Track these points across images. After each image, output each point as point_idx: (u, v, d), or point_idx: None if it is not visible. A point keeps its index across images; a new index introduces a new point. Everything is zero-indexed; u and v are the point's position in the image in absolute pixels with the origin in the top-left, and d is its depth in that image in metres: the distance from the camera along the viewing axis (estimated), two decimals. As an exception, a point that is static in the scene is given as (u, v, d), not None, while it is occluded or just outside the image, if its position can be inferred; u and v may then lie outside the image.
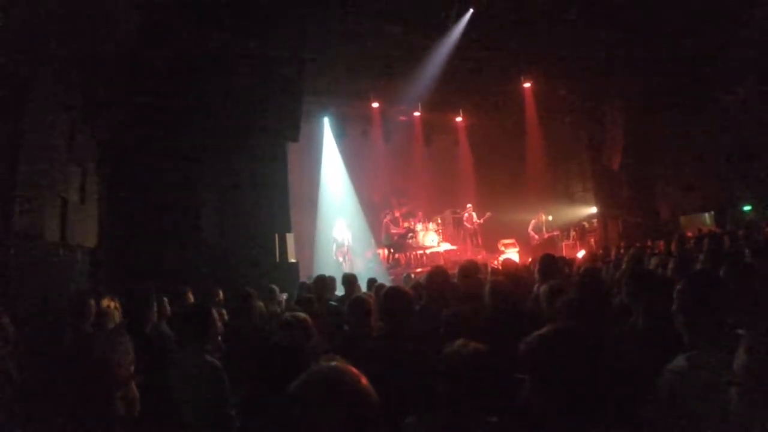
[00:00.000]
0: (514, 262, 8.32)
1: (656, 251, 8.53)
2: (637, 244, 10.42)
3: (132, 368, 1.73)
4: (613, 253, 10.08)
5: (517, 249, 16.12)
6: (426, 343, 3.10)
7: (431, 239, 16.68)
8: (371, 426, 1.40)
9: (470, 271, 4.89)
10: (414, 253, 16.35)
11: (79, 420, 1.57)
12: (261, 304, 5.57)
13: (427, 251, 16.38)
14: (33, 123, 6.94)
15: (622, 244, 11.92)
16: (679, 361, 2.18)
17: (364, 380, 1.45)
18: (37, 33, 6.89)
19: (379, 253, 17.03)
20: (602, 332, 3.12)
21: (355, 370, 1.48)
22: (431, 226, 17.27)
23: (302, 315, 3.55)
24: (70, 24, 7.55)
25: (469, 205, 17.34)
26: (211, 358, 3.17)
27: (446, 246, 16.78)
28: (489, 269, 7.62)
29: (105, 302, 5.82)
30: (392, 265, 16.03)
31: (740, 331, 1.92)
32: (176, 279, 7.70)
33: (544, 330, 2.13)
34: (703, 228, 12.86)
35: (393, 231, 16.31)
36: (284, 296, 7.46)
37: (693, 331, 2.31)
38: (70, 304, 4.23)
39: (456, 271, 5.12)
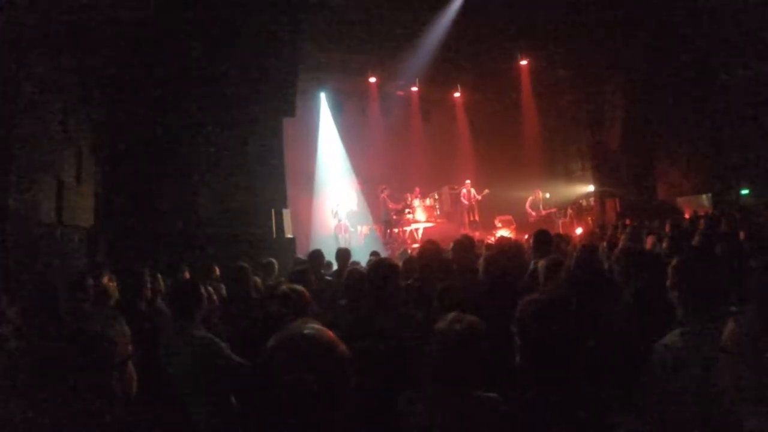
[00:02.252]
0: (509, 238, 8.34)
1: (653, 230, 8.55)
2: (628, 222, 10.45)
3: (129, 347, 1.73)
4: (609, 231, 10.11)
5: (513, 226, 16.14)
6: (419, 316, 3.11)
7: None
8: (344, 390, 1.40)
9: (465, 245, 4.90)
10: (411, 228, 16.36)
11: (76, 398, 1.57)
12: (257, 278, 5.58)
13: (421, 226, 16.36)
14: (27, 104, 6.87)
15: (618, 222, 11.94)
16: (673, 336, 2.20)
17: (340, 346, 1.45)
18: (30, 12, 6.79)
19: (375, 229, 17.03)
20: (597, 306, 3.14)
21: (331, 333, 1.47)
22: (428, 201, 17.25)
23: (300, 287, 3.56)
24: (63, 3, 7.45)
25: (467, 181, 17.28)
26: (204, 333, 3.16)
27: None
28: (484, 244, 7.66)
29: (104, 280, 5.85)
30: (389, 240, 16.04)
31: (733, 308, 1.94)
32: (173, 256, 7.72)
33: (537, 296, 2.15)
34: (700, 210, 12.89)
35: (391, 206, 16.29)
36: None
37: (686, 307, 2.33)
38: (70, 283, 4.24)
39: (450, 246, 5.13)
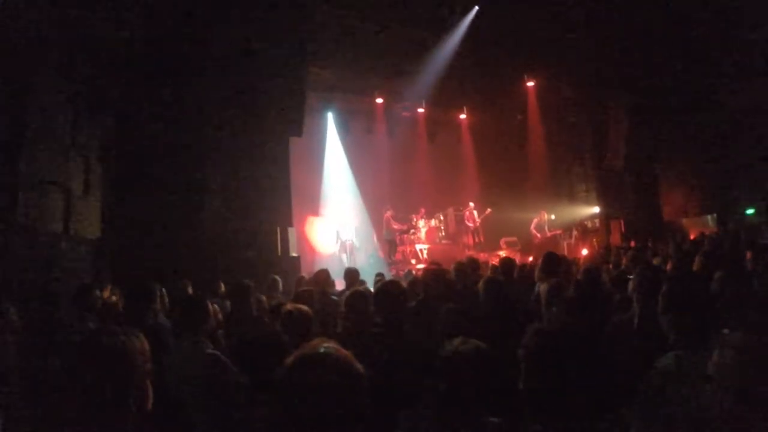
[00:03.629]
0: (513, 260, 8.31)
1: (658, 252, 8.54)
2: (632, 244, 10.42)
3: (148, 365, 1.75)
4: (613, 254, 10.09)
5: (518, 247, 16.12)
6: (424, 338, 3.11)
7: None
8: (361, 409, 1.42)
9: (468, 267, 4.90)
10: (414, 248, 16.35)
11: (94, 414, 1.58)
12: (263, 297, 5.59)
13: (425, 247, 16.35)
14: (36, 114, 6.96)
15: (622, 244, 11.93)
16: (667, 360, 2.21)
17: (356, 364, 1.47)
18: (41, 24, 6.91)
19: (379, 249, 17.03)
20: (600, 330, 3.15)
21: (346, 352, 1.49)
22: (433, 222, 17.26)
23: (304, 308, 3.56)
24: (74, 15, 7.57)
25: (471, 204, 17.33)
26: (211, 350, 3.16)
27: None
28: (489, 266, 7.64)
29: (105, 293, 5.88)
30: (393, 261, 16.03)
31: (725, 331, 1.95)
32: (178, 271, 7.74)
33: (545, 327, 2.17)
34: (706, 230, 12.86)
35: (395, 226, 16.31)
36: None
37: (677, 332, 2.35)
38: (76, 295, 4.26)
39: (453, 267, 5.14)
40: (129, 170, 9.67)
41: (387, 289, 3.44)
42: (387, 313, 3.28)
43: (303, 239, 15.58)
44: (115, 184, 9.49)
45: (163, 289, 5.33)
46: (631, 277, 3.92)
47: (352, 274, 6.57)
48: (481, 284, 4.06)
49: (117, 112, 9.37)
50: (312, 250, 16.51)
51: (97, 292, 4.14)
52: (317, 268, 7.70)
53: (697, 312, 2.33)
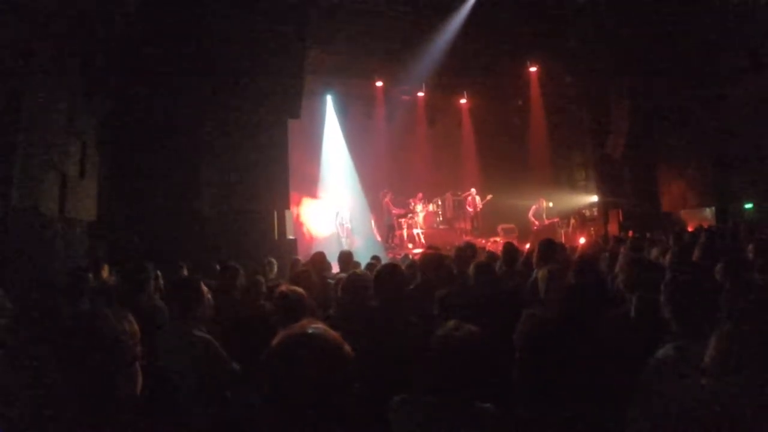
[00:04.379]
0: (516, 247, 8.28)
1: (655, 243, 8.50)
2: (630, 234, 10.41)
3: (138, 348, 1.72)
4: (611, 242, 10.08)
5: (515, 234, 16.13)
6: (419, 322, 3.10)
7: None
8: (347, 389, 1.41)
9: (466, 252, 4.88)
10: (411, 232, 16.37)
11: (81, 397, 1.56)
12: (262, 278, 5.58)
13: (421, 232, 16.37)
14: (32, 97, 6.89)
15: (621, 234, 11.92)
16: (667, 350, 2.20)
17: (345, 346, 1.46)
18: (37, 6, 6.82)
19: (377, 233, 17.03)
20: (596, 318, 3.13)
21: (335, 334, 1.48)
22: (431, 207, 17.26)
23: (299, 289, 3.53)
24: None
25: (473, 189, 17.32)
26: (202, 333, 3.14)
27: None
28: (486, 251, 7.63)
29: (104, 273, 5.88)
30: (390, 245, 16.05)
31: (726, 323, 1.94)
32: (175, 254, 7.72)
33: (540, 313, 2.15)
34: (704, 223, 12.83)
35: (393, 211, 16.31)
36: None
37: (679, 322, 2.34)
38: (69, 278, 4.24)
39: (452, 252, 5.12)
40: (125, 153, 9.62)
41: (388, 272, 3.41)
42: (385, 296, 3.25)
43: (300, 222, 15.57)
44: (111, 167, 9.45)
45: (158, 272, 5.31)
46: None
47: (346, 257, 6.55)
48: (471, 268, 4.05)
49: (114, 95, 9.29)
50: (309, 232, 16.52)
51: (90, 275, 4.11)
52: (314, 250, 7.69)
53: (699, 302, 2.32)
